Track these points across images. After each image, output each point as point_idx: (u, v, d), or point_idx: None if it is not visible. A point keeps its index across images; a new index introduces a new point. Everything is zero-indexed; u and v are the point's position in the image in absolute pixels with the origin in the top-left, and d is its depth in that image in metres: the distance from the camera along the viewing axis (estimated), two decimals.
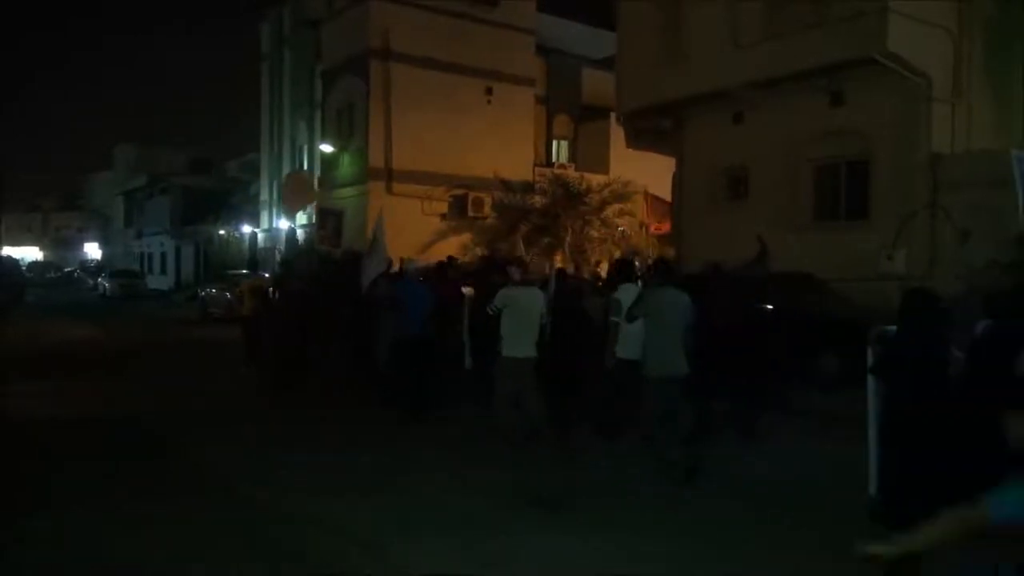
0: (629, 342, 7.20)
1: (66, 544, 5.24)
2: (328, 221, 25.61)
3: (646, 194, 23.63)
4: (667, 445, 6.53)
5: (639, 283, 8.09)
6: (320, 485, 6.52)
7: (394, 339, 9.24)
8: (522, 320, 7.38)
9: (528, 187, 24.58)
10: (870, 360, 5.25)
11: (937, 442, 4.20)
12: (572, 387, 8.29)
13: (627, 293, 7.39)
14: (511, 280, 7.68)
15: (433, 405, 9.10)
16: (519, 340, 7.33)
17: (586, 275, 15.39)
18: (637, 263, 8.85)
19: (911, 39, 12.47)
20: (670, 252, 20.24)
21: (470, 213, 24.00)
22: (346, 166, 25.56)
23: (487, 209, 24.06)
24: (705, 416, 7.37)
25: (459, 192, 24.28)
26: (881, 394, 5.08)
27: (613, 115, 19.65)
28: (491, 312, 7.54)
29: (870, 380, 5.29)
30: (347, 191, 25.37)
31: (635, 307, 6.86)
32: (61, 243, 76.39)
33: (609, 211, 23.21)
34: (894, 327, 4.80)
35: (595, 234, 23.06)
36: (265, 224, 34.58)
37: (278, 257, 28.77)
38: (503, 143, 25.37)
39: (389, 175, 24.13)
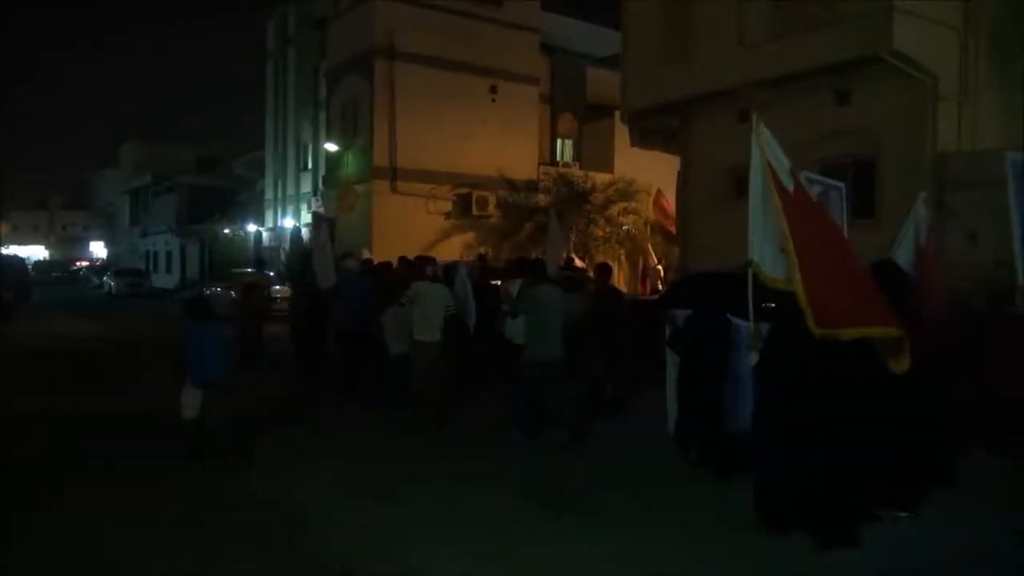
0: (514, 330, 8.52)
1: (69, 544, 5.25)
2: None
3: (658, 193, 23.55)
4: (530, 420, 7.80)
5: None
6: (331, 485, 6.53)
7: (335, 332, 10.40)
8: (428, 310, 8.66)
9: (532, 186, 24.58)
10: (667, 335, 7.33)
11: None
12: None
13: (517, 287, 8.72)
14: (425, 277, 9.01)
15: (372, 395, 9.71)
16: (427, 327, 8.64)
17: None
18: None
19: (917, 38, 12.41)
20: (675, 251, 20.23)
21: (474, 212, 23.99)
22: (350, 165, 25.56)
23: (491, 208, 24.05)
24: (588, 396, 8.43)
25: (463, 191, 24.27)
26: (673, 360, 7.20)
27: (618, 114, 19.61)
28: (403, 304, 8.87)
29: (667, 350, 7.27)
30: None
31: (517, 302, 8.15)
32: (67, 242, 76.67)
33: (614, 210, 23.19)
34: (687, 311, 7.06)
35: (599, 233, 23.04)
36: (270, 223, 34.62)
37: (283, 256, 28.84)
38: (507, 142, 25.36)
39: (393, 174, 24.14)
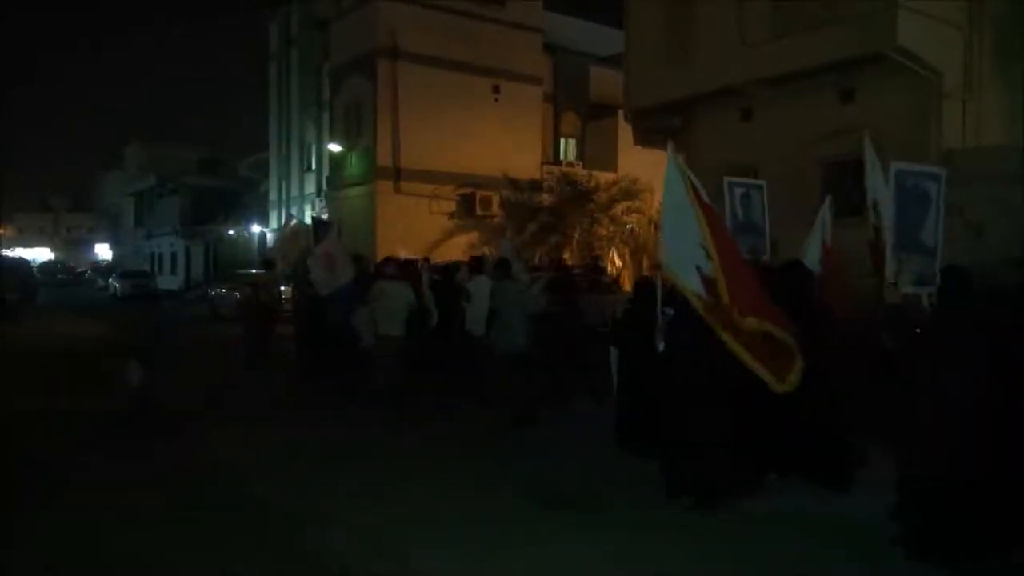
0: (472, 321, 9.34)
1: (69, 544, 5.25)
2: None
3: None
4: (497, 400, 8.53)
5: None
6: (330, 485, 6.53)
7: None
8: (391, 307, 9.42)
9: (536, 185, 24.54)
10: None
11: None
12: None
13: (477, 284, 9.69)
14: (385, 275, 9.87)
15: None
16: (391, 322, 9.37)
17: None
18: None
19: (921, 35, 12.36)
20: None
21: (478, 212, 23.98)
22: (354, 165, 25.58)
23: (495, 208, 24.02)
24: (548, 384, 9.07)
25: (467, 191, 24.26)
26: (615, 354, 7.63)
27: (621, 113, 19.59)
28: (367, 302, 9.66)
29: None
30: (355, 190, 25.40)
31: (491, 300, 8.85)
32: (72, 244, 76.84)
33: (617, 209, 23.13)
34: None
35: (603, 232, 22.98)
36: (274, 223, 34.65)
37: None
38: (511, 141, 25.35)
39: (397, 174, 24.15)
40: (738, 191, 7.73)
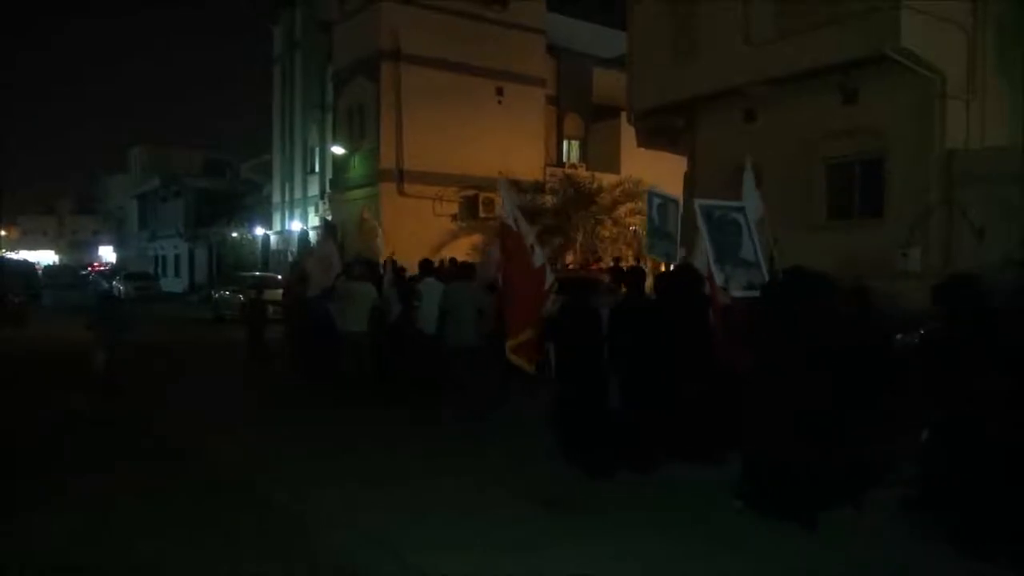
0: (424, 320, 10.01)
1: (69, 544, 5.26)
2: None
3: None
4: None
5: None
6: (331, 485, 6.53)
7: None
8: (356, 305, 10.42)
9: (539, 187, 24.55)
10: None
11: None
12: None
13: (428, 286, 10.37)
14: (354, 277, 10.97)
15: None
16: (355, 319, 10.40)
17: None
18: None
19: (925, 35, 12.34)
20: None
21: (481, 214, 23.99)
22: (357, 168, 25.61)
23: (498, 210, 24.00)
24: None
25: (470, 193, 24.27)
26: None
27: (624, 114, 19.60)
28: (335, 300, 10.70)
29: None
30: (358, 192, 25.43)
31: (441, 300, 9.40)
32: (76, 246, 76.95)
33: (621, 210, 23.13)
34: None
35: (606, 234, 22.99)
36: (277, 226, 34.70)
37: (290, 259, 28.95)
38: (514, 143, 25.36)
39: (400, 176, 24.17)
40: (656, 201, 8.59)
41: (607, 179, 24.47)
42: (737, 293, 7.21)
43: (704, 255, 7.87)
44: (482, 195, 23.96)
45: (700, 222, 7.55)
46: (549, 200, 23.51)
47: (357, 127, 25.58)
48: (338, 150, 26.25)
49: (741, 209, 7.86)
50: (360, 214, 24.52)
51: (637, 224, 23.37)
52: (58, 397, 10.64)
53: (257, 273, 26.83)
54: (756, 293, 6.87)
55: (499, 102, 25.65)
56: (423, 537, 5.34)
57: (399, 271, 12.21)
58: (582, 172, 25.52)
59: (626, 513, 5.84)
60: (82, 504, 6.06)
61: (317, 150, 31.29)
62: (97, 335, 10.81)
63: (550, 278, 8.19)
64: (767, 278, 7.27)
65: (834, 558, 4.99)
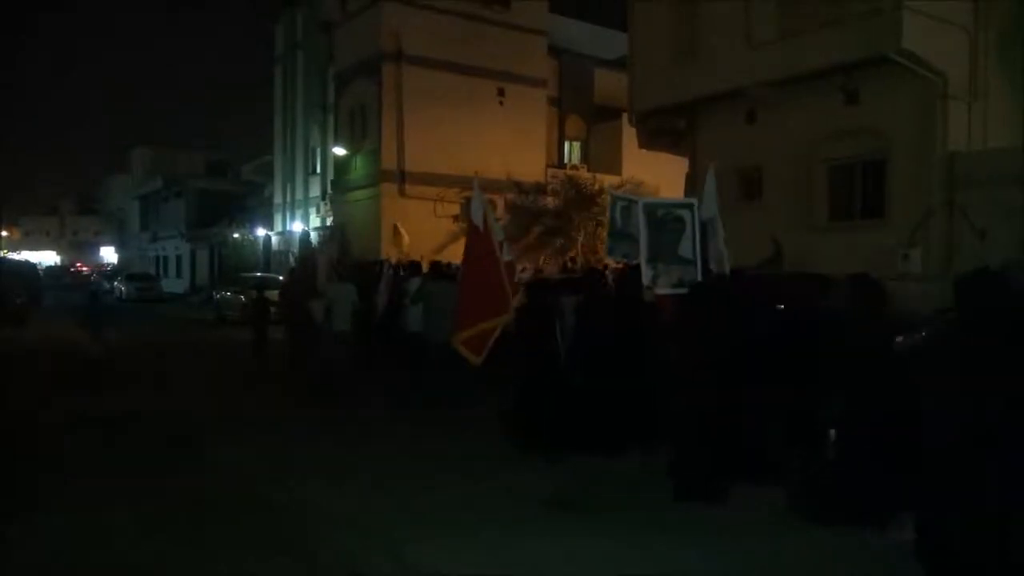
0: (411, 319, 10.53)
1: (70, 544, 5.27)
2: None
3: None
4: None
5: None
6: (335, 485, 6.54)
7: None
8: (338, 304, 11.28)
9: (540, 188, 24.54)
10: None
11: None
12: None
13: (412, 284, 10.93)
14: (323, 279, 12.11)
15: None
16: (339, 318, 11.24)
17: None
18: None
19: (926, 37, 12.32)
20: None
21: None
22: (359, 169, 25.62)
23: (499, 211, 23.99)
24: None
25: (471, 194, 24.22)
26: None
27: (625, 115, 19.58)
28: (317, 301, 11.68)
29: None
30: (360, 194, 25.44)
31: (416, 294, 10.38)
32: (78, 247, 77.09)
33: None
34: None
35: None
36: (279, 227, 34.70)
37: (292, 260, 28.97)
38: (515, 144, 25.36)
39: (402, 177, 24.18)
40: (620, 204, 8.91)
41: (608, 180, 24.43)
42: (665, 291, 7.53)
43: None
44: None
45: (641, 221, 7.85)
46: (550, 201, 23.49)
47: (358, 128, 25.59)
48: (339, 151, 26.25)
49: (689, 206, 8.04)
50: (368, 216, 24.61)
51: None
52: (58, 397, 10.66)
53: (259, 274, 26.84)
54: (684, 291, 7.17)
55: (500, 103, 25.65)
56: (423, 537, 5.34)
57: (396, 271, 12.47)
58: (583, 173, 25.50)
59: (626, 513, 5.83)
60: (82, 504, 6.06)
61: (318, 151, 31.28)
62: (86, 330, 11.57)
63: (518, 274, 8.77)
64: (699, 277, 7.56)
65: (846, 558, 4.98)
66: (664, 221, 7.90)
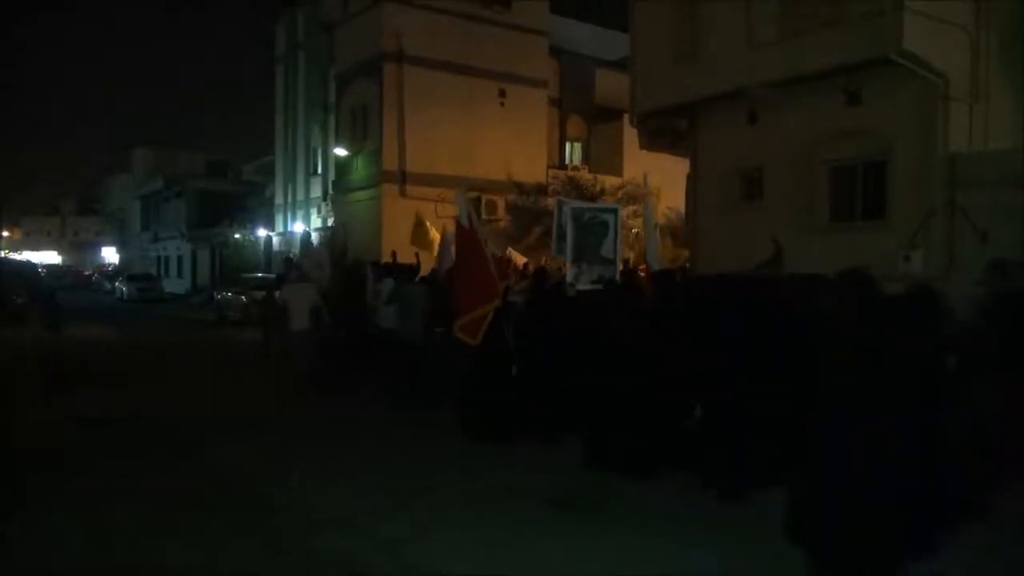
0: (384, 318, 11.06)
1: (70, 544, 5.27)
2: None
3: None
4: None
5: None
6: (333, 486, 6.55)
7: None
8: (298, 306, 11.24)
9: (541, 189, 24.53)
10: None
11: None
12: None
13: (385, 285, 11.47)
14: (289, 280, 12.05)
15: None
16: (298, 318, 11.23)
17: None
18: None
19: (928, 38, 12.31)
20: (684, 254, 20.16)
21: (483, 215, 23.94)
22: (360, 169, 25.61)
23: (500, 212, 24.01)
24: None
25: (472, 195, 24.21)
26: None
27: (627, 116, 19.57)
28: (280, 304, 11.67)
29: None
30: (361, 194, 25.42)
31: (389, 295, 11.01)
32: (79, 247, 77.13)
33: (623, 213, 23.07)
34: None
35: None
36: (280, 227, 34.70)
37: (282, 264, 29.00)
38: (516, 145, 25.34)
39: (403, 178, 24.16)
40: (564, 208, 9.59)
41: (609, 181, 24.45)
42: (585, 287, 8.30)
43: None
44: (484, 197, 23.93)
45: (568, 224, 8.58)
46: (551, 202, 23.46)
47: (360, 128, 25.58)
48: (341, 151, 26.24)
49: (614, 211, 9.23)
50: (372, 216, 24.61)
51: (639, 227, 23.35)
52: (59, 397, 10.66)
53: (260, 274, 26.83)
54: (600, 287, 7.97)
55: (501, 104, 25.63)
56: (423, 537, 5.34)
57: (382, 269, 12.88)
58: (584, 174, 25.49)
59: (626, 513, 5.84)
60: (82, 504, 6.06)
61: (319, 151, 31.27)
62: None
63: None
64: (615, 275, 8.47)
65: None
66: (591, 224, 8.77)
